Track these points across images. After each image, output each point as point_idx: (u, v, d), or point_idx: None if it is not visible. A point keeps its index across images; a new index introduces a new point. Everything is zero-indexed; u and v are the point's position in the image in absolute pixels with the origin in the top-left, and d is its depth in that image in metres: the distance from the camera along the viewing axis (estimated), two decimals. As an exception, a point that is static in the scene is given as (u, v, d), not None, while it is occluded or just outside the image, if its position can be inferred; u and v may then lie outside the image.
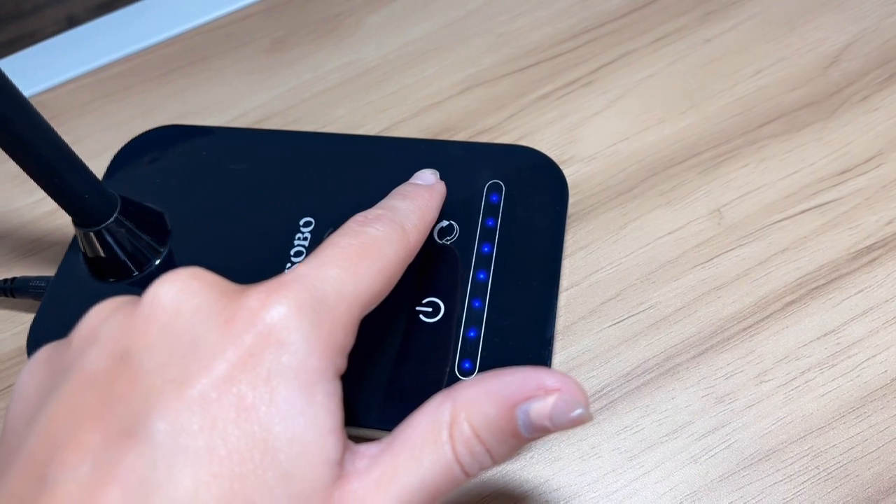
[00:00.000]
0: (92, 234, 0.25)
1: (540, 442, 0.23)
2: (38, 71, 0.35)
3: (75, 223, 0.25)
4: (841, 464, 0.22)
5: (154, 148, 0.29)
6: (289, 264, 0.25)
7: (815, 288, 0.25)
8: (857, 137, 0.28)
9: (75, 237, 0.27)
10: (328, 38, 0.34)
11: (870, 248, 0.26)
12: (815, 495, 0.22)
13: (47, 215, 0.30)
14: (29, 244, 0.30)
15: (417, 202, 0.21)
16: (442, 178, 0.27)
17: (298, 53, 0.34)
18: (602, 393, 0.24)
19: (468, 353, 0.23)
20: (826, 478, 0.22)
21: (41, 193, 0.27)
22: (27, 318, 0.27)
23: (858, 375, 0.24)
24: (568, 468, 0.23)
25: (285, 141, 0.29)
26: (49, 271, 0.28)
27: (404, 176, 0.27)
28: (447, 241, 0.25)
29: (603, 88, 0.31)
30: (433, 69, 0.33)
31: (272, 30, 0.35)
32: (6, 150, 0.21)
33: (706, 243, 0.26)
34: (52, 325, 0.25)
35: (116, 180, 0.28)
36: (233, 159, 0.28)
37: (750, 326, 0.25)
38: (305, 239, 0.26)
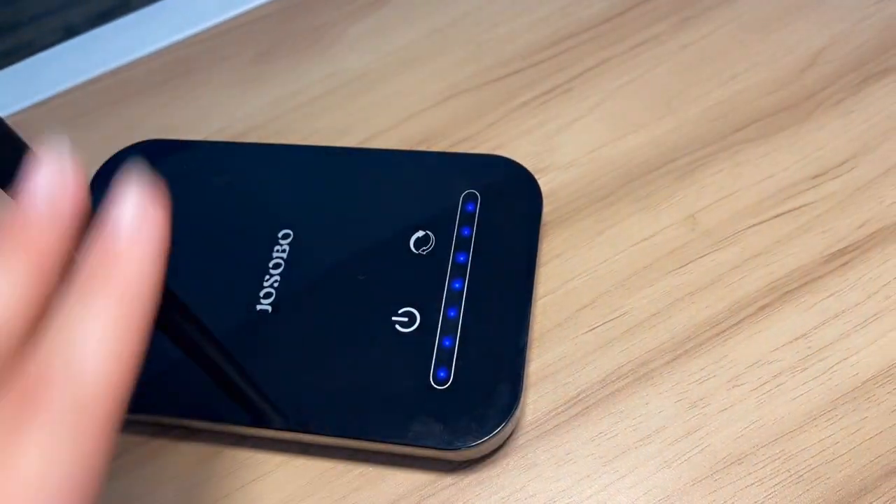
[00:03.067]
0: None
1: (515, 449, 0.24)
2: (24, 85, 0.35)
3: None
4: (812, 467, 0.23)
5: (136, 162, 0.30)
6: (267, 276, 0.26)
7: (788, 292, 0.25)
8: (831, 141, 0.28)
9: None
10: (311, 50, 0.35)
11: (842, 252, 0.26)
12: (787, 498, 0.22)
13: None
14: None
15: (113, 311, 0.13)
16: (419, 188, 0.27)
17: (282, 65, 0.34)
18: (577, 399, 0.24)
19: (443, 362, 0.23)
20: (797, 480, 0.22)
21: None
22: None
23: (829, 378, 0.24)
24: (544, 474, 0.23)
25: (264, 154, 0.29)
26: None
27: (381, 187, 0.27)
28: (423, 251, 0.26)
29: (582, 95, 0.31)
30: (414, 79, 0.33)
31: (256, 42, 0.35)
32: None
33: (680, 249, 0.27)
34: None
35: (100, 194, 0.29)
36: (213, 173, 0.29)
37: (723, 331, 0.25)
38: (284, 251, 0.26)
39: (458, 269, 0.25)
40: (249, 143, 0.30)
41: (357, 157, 0.28)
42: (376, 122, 0.32)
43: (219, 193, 0.28)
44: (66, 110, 0.34)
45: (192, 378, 0.25)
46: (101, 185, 0.29)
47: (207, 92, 0.34)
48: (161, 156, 0.30)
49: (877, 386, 0.24)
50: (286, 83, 0.34)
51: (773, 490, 0.22)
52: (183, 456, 0.25)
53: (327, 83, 0.34)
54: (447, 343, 0.24)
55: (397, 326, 0.24)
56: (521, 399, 0.23)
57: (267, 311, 0.25)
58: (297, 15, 0.36)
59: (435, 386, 0.23)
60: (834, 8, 0.32)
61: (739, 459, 0.23)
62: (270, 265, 0.26)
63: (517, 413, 0.23)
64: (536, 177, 0.27)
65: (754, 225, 0.27)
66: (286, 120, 0.33)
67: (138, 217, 0.14)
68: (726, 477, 0.23)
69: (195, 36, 0.36)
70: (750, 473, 0.23)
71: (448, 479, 0.24)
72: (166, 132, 0.32)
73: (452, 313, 0.24)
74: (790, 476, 0.23)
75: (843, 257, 0.26)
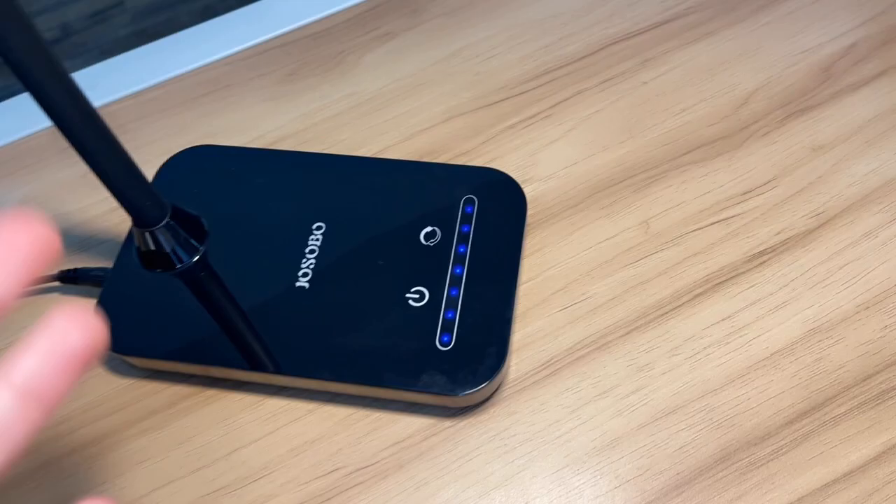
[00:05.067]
0: (147, 234, 0.31)
1: (501, 400, 0.30)
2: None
3: (135, 223, 0.31)
4: (728, 416, 0.29)
5: (191, 163, 0.36)
6: (304, 259, 0.32)
7: (718, 283, 0.32)
8: (759, 165, 0.35)
9: (130, 234, 0.33)
10: (333, 73, 0.41)
11: (762, 253, 0.33)
12: (709, 439, 0.29)
13: (102, 215, 0.36)
14: (86, 239, 0.36)
15: None
16: (428, 192, 0.34)
17: (308, 84, 0.41)
18: (550, 362, 0.31)
19: (447, 329, 0.30)
20: (717, 427, 0.29)
21: (99, 196, 0.33)
22: (89, 302, 0.34)
23: (746, 350, 0.31)
24: (523, 420, 0.30)
25: (299, 160, 0.35)
26: (103, 262, 0.34)
27: (397, 191, 0.34)
28: (431, 242, 0.32)
29: (559, 121, 0.38)
30: (421, 101, 0.39)
31: (285, 63, 0.41)
32: (88, 162, 0.27)
33: (636, 248, 0.33)
34: (112, 307, 0.32)
35: (162, 189, 0.35)
36: (256, 174, 0.35)
37: (666, 313, 0.32)
38: (318, 240, 0.32)
39: (459, 258, 0.31)
40: (287, 150, 0.36)
41: (377, 165, 0.35)
42: (388, 137, 0.38)
43: (263, 191, 0.34)
44: (121, 116, 0.40)
45: (243, 337, 0.31)
46: (165, 177, 0.35)
47: (244, 105, 0.40)
48: (213, 158, 0.36)
49: (782, 357, 0.30)
50: (312, 100, 0.40)
51: (698, 433, 0.29)
52: (232, 402, 0.31)
53: (346, 102, 0.40)
54: (450, 315, 0.30)
55: (410, 301, 0.30)
56: (507, 361, 0.29)
57: (304, 287, 0.31)
58: (321, 42, 0.42)
59: (440, 347, 0.29)
60: (767, 56, 0.39)
61: (674, 411, 0.30)
62: (307, 251, 0.32)
63: (503, 371, 0.29)
64: (522, 186, 0.33)
65: (695, 230, 0.34)
66: (312, 132, 0.39)
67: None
68: (664, 424, 0.29)
69: (232, 56, 0.42)
70: (682, 421, 0.29)
71: (447, 423, 0.30)
72: (209, 139, 0.38)
73: (454, 292, 0.30)
74: (712, 423, 0.29)
75: (762, 257, 0.33)
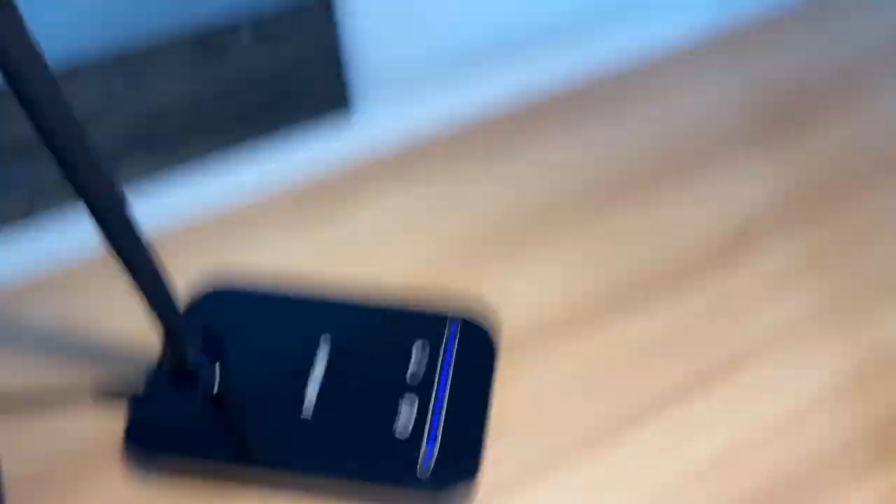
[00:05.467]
0: (176, 354, 0.37)
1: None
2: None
3: (166, 344, 0.36)
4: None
5: (217, 294, 0.42)
6: (307, 388, 0.38)
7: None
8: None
9: (162, 357, 0.39)
10: (344, 211, 0.48)
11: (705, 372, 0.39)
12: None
13: (139, 333, 0.41)
14: (120, 354, 0.41)
15: None
16: (415, 330, 0.40)
17: (321, 222, 0.47)
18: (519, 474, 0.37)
19: (429, 455, 0.35)
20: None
21: (138, 316, 0.38)
22: (117, 414, 0.38)
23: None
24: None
25: (307, 304, 0.42)
26: (134, 378, 0.39)
27: (391, 325, 0.41)
28: (416, 377, 0.38)
29: (536, 264, 0.45)
30: (415, 239, 0.46)
31: (301, 206, 0.48)
32: (133, 284, 0.33)
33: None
34: (143, 420, 0.37)
35: (192, 315, 0.41)
36: (271, 311, 0.41)
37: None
38: (319, 373, 0.38)
39: (441, 385, 0.37)
40: (295, 295, 0.42)
41: (368, 308, 0.41)
42: (384, 268, 0.44)
43: (275, 327, 0.41)
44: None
45: (254, 455, 0.36)
46: (193, 310, 0.41)
47: (261, 241, 0.47)
48: (235, 293, 0.42)
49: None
50: (323, 237, 0.46)
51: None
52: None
53: (352, 239, 0.46)
54: (430, 446, 0.36)
55: (396, 435, 0.36)
56: (479, 471, 0.35)
57: (308, 419, 0.37)
58: (329, 182, 0.49)
59: (419, 477, 0.35)
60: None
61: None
62: (310, 378, 0.38)
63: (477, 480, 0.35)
64: (499, 318, 0.40)
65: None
66: (323, 265, 0.45)
67: None
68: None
69: (247, 198, 0.49)
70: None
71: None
72: (233, 265, 0.44)
73: (436, 420, 0.36)
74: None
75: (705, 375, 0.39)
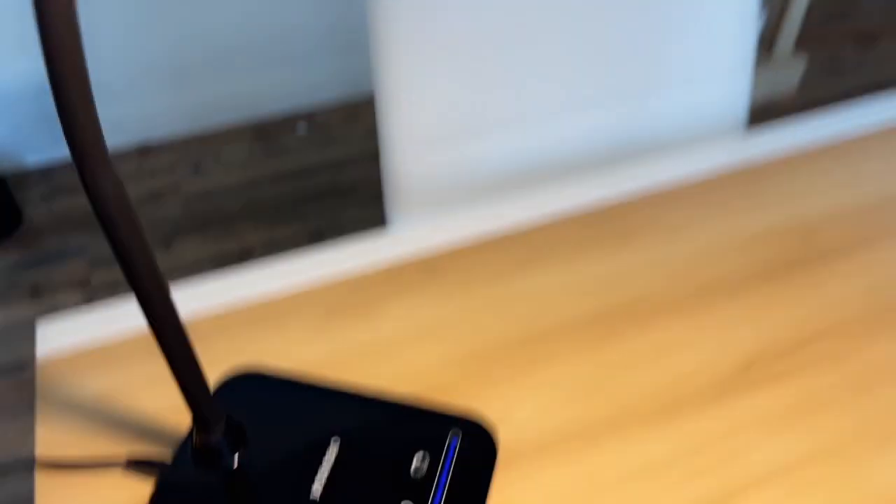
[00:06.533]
0: (202, 435, 0.41)
1: None
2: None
3: (194, 424, 0.40)
4: None
5: (242, 384, 0.46)
6: (318, 471, 0.41)
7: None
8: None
9: (189, 436, 0.42)
10: (362, 316, 0.52)
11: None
12: None
13: (171, 410, 0.46)
14: (153, 430, 0.45)
15: None
16: (419, 432, 0.43)
17: (343, 324, 0.52)
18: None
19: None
20: None
21: (171, 394, 0.43)
22: (142, 486, 0.42)
23: None
24: None
25: (325, 395, 0.46)
26: (163, 450, 0.43)
27: (394, 428, 0.44)
28: (418, 475, 0.41)
29: (540, 382, 0.48)
30: (426, 347, 0.50)
31: (326, 304, 0.53)
32: (169, 366, 0.37)
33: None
34: (167, 489, 0.40)
35: (217, 400, 0.45)
36: (290, 401, 0.45)
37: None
38: (332, 455, 0.42)
39: (439, 489, 0.40)
40: (316, 384, 0.46)
41: (380, 405, 0.45)
42: (396, 373, 0.48)
43: (293, 415, 0.44)
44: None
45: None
46: (218, 398, 0.45)
47: (288, 334, 0.51)
48: (258, 382, 0.46)
49: None
50: (342, 338, 0.51)
51: None
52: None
53: (369, 341, 0.51)
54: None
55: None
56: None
57: (316, 499, 0.40)
58: (354, 290, 0.54)
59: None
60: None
61: None
62: (323, 462, 0.41)
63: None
64: (499, 429, 0.43)
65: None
66: (341, 362, 0.49)
67: None
68: None
69: (283, 291, 0.54)
70: None
71: None
72: (259, 357, 0.49)
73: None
74: None
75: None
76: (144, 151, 1.57)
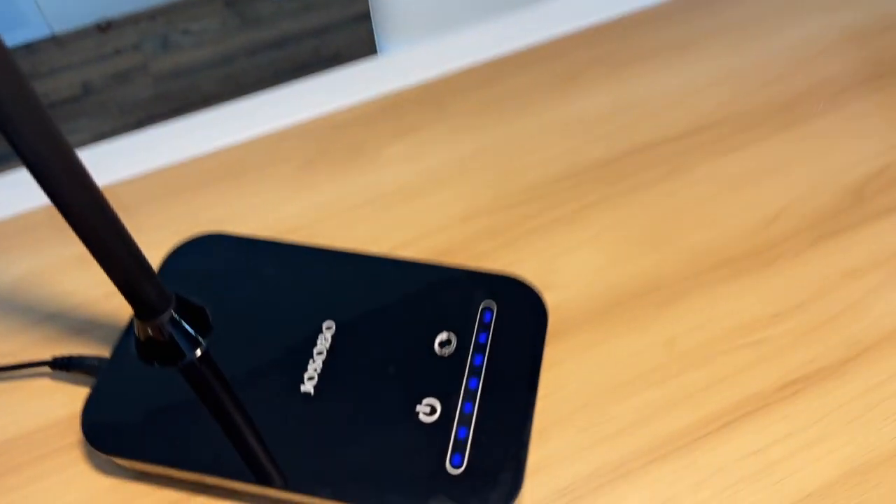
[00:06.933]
0: (147, 324, 0.30)
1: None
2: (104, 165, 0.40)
3: (136, 313, 0.30)
4: (759, 564, 0.27)
5: (199, 252, 0.35)
6: (311, 360, 0.30)
7: (747, 413, 0.30)
8: (789, 287, 0.34)
9: (131, 324, 0.31)
10: (352, 164, 0.40)
11: (794, 382, 0.31)
12: (738, 590, 0.26)
13: (103, 297, 0.35)
14: (82, 323, 0.34)
15: None
16: (442, 298, 0.32)
17: (325, 175, 0.40)
18: (568, 489, 0.29)
19: (458, 449, 0.28)
20: (747, 575, 0.27)
21: (100, 278, 0.32)
22: (79, 391, 0.32)
23: (779, 490, 0.28)
24: (534, 553, 0.27)
25: (312, 255, 0.34)
26: (100, 349, 0.33)
27: (410, 294, 0.32)
28: (445, 351, 0.30)
29: (583, 226, 0.37)
30: (439, 198, 0.38)
31: (305, 151, 0.41)
32: (88, 246, 0.26)
33: (660, 368, 0.32)
34: (104, 401, 0.30)
35: (167, 277, 0.33)
36: (266, 267, 0.34)
37: (691, 442, 0.30)
38: (326, 341, 0.31)
39: (475, 370, 0.30)
40: (300, 244, 0.35)
41: (392, 266, 0.34)
42: (404, 233, 0.37)
43: (272, 285, 0.33)
44: (128, 197, 0.39)
45: (241, 446, 0.29)
46: (171, 265, 0.34)
47: (259, 191, 0.39)
48: (223, 247, 0.34)
49: (818, 500, 0.28)
50: (328, 191, 0.39)
51: (727, 582, 0.27)
52: (222, 513, 0.29)
53: (363, 195, 0.39)
54: (462, 434, 0.28)
55: (420, 416, 0.29)
56: (522, 487, 0.27)
57: (310, 392, 0.29)
58: (340, 131, 0.42)
59: (450, 470, 0.27)
60: (798, 175, 0.38)
61: (700, 553, 0.27)
62: (315, 352, 0.30)
63: (518, 499, 0.27)
64: (542, 293, 0.32)
65: (722, 353, 0.32)
66: (327, 224, 0.38)
67: None
68: (688, 568, 0.27)
69: (251, 140, 0.42)
70: (708, 566, 0.27)
71: (453, 552, 0.27)
72: (221, 225, 0.37)
73: (468, 408, 0.29)
74: (742, 571, 0.27)
75: (794, 387, 0.31)
76: (105, 27, 1.39)
